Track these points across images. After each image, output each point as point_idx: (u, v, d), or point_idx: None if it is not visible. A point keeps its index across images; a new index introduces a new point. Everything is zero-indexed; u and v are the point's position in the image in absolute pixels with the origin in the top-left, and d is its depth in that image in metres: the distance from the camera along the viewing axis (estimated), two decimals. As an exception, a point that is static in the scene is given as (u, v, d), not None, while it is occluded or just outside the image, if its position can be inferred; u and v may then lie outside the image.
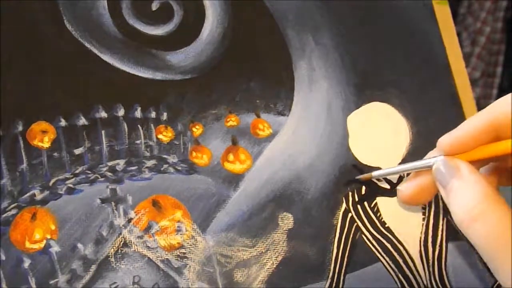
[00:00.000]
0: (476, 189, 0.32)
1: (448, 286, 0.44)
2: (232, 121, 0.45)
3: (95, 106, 0.41)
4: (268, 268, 0.41)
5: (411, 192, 0.36)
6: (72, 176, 0.40)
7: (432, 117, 0.49)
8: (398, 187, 0.38)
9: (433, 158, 0.35)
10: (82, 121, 0.41)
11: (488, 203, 0.31)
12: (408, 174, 0.38)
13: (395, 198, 0.46)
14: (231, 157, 0.44)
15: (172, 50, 0.44)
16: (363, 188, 0.45)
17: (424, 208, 0.46)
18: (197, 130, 0.44)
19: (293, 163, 0.45)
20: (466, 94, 0.50)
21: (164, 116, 0.43)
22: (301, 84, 0.47)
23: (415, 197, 0.37)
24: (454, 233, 0.46)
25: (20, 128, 0.39)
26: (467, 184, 0.32)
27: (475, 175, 0.33)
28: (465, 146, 0.34)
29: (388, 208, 0.45)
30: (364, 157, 0.46)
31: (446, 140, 0.34)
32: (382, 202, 0.45)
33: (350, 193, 0.45)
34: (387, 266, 0.44)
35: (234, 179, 0.43)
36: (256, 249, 0.42)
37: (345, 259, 0.43)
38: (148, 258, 0.39)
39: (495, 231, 0.30)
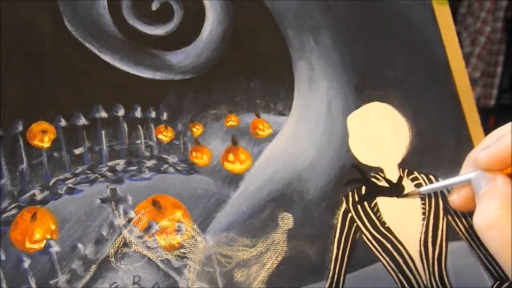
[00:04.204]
0: (500, 198, 0.32)
1: (448, 286, 0.44)
2: (232, 121, 0.45)
3: (95, 106, 0.41)
4: (268, 268, 0.41)
5: (459, 201, 0.40)
6: (72, 176, 0.40)
7: (432, 117, 0.49)
8: (449, 198, 0.42)
9: (473, 173, 0.37)
10: (82, 121, 0.41)
11: (507, 212, 0.31)
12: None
13: (395, 198, 0.46)
14: (231, 157, 0.44)
15: (172, 50, 0.44)
16: (363, 188, 0.45)
17: (424, 208, 0.46)
18: (197, 130, 0.44)
19: (293, 163, 0.45)
20: (466, 94, 0.50)
21: (164, 116, 0.43)
22: (301, 84, 0.47)
23: (464, 205, 0.40)
24: (454, 233, 0.46)
25: (20, 128, 0.39)
26: (495, 192, 0.33)
27: (507, 187, 0.33)
28: (502, 163, 0.34)
29: (388, 208, 0.45)
30: (364, 157, 0.46)
31: (483, 157, 0.35)
32: (382, 202, 0.45)
33: (350, 193, 0.45)
34: (387, 266, 0.44)
35: (234, 179, 0.43)
36: (256, 249, 0.42)
37: (345, 259, 0.43)
38: (148, 258, 0.39)
39: (509, 238, 0.31)
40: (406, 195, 0.45)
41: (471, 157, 0.40)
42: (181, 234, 0.40)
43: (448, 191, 0.46)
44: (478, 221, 0.33)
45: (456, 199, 0.40)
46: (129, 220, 0.40)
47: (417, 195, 0.45)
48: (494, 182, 0.34)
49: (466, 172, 0.39)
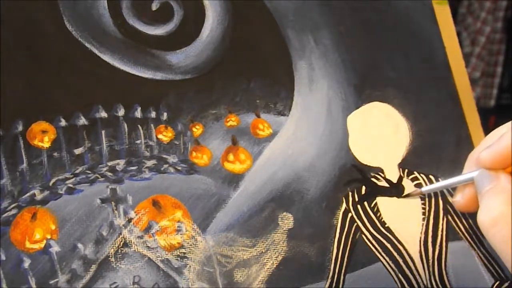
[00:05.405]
0: (504, 195, 0.32)
1: (448, 286, 0.44)
2: (232, 121, 0.45)
3: (95, 106, 0.41)
4: (268, 268, 0.41)
5: (464, 202, 0.40)
6: (72, 176, 0.40)
7: (432, 116, 0.49)
8: (453, 199, 0.42)
9: (475, 172, 0.37)
10: (82, 121, 0.41)
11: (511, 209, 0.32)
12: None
13: (394, 198, 0.46)
14: (231, 157, 0.44)
15: (172, 50, 0.44)
16: (363, 188, 0.45)
17: (424, 208, 0.46)
18: (197, 130, 0.44)
19: (293, 163, 0.45)
20: (466, 94, 0.50)
21: (164, 116, 0.43)
22: (301, 84, 0.47)
23: (468, 205, 0.40)
24: (454, 233, 0.46)
25: (20, 128, 0.39)
26: (498, 190, 0.33)
27: (509, 184, 0.33)
28: (504, 162, 0.35)
29: (388, 208, 0.45)
30: (364, 157, 0.46)
31: (485, 156, 0.35)
32: (382, 202, 0.45)
33: (350, 193, 0.45)
34: (387, 266, 0.44)
35: (234, 179, 0.43)
36: (256, 249, 0.42)
37: (345, 259, 0.43)
38: (148, 258, 0.39)
39: None
40: (408, 195, 0.45)
41: (473, 156, 0.40)
42: (181, 234, 0.40)
43: (449, 191, 0.46)
44: (482, 218, 0.33)
45: (460, 200, 0.40)
46: (129, 220, 0.40)
47: (419, 195, 0.45)
48: (497, 180, 0.34)
49: (469, 172, 0.39)
